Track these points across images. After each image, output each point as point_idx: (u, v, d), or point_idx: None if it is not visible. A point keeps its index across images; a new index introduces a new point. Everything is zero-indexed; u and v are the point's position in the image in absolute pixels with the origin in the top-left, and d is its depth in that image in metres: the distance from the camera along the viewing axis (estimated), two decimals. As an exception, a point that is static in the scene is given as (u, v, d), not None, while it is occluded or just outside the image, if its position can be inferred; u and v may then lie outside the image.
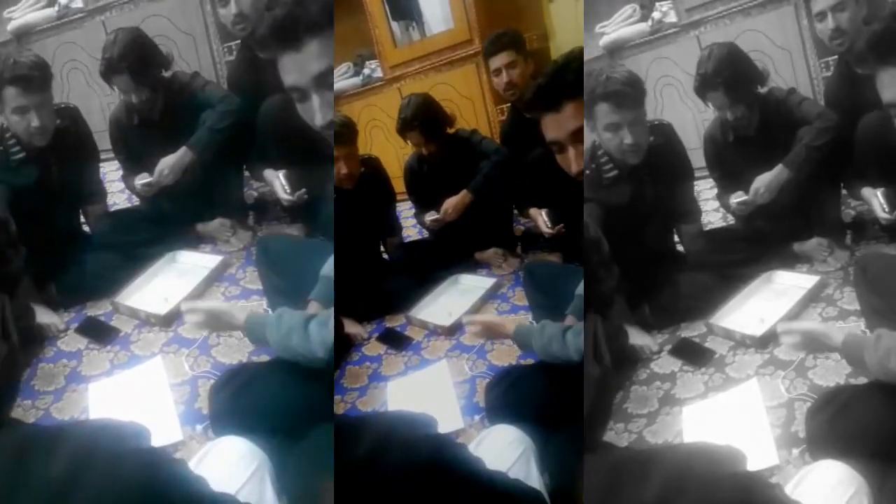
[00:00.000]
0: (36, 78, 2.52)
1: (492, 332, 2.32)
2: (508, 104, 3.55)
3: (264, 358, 2.20)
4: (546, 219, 2.99)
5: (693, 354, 2.48)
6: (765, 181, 2.70)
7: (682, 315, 2.68)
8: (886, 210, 2.56)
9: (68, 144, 2.70)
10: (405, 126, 3.18)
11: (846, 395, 1.81)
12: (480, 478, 1.50)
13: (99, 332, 2.49)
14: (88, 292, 2.66)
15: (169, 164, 2.74)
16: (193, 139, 2.75)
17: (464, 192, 3.17)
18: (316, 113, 1.54)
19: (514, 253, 3.25)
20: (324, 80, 1.54)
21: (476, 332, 2.32)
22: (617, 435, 2.22)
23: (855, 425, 1.65)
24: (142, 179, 2.77)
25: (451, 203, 3.17)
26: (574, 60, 1.72)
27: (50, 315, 2.55)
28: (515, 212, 3.37)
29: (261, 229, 2.94)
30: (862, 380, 1.98)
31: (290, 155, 2.78)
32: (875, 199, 2.58)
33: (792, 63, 3.53)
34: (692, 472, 1.21)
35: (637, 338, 2.57)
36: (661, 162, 2.66)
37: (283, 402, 1.80)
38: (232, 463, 1.60)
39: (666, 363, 2.49)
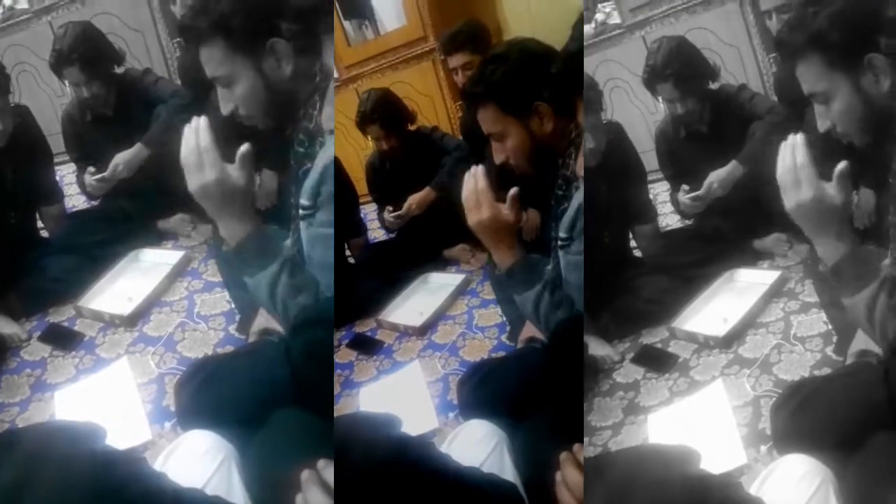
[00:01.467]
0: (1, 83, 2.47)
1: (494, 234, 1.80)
2: (467, 99, 3.54)
3: (229, 349, 2.21)
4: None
5: (656, 361, 2.45)
6: (719, 176, 2.70)
7: (643, 321, 2.65)
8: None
9: (21, 145, 2.63)
10: (365, 119, 3.15)
11: (807, 388, 1.78)
12: (447, 475, 1.48)
13: (63, 339, 2.45)
14: (50, 298, 2.61)
15: (124, 159, 2.71)
16: (148, 135, 2.73)
17: (427, 189, 3.15)
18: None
19: (482, 248, 3.17)
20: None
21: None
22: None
23: (818, 417, 1.63)
24: (94, 175, 2.72)
25: (415, 199, 3.15)
26: (505, 56, 1.73)
27: (11, 325, 2.49)
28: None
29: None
30: (826, 370, 2.02)
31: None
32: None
33: (741, 59, 3.59)
34: (642, 474, 1.19)
35: (597, 348, 2.53)
36: (613, 162, 2.64)
37: (248, 391, 1.74)
38: (198, 457, 1.58)
39: (628, 372, 2.46)
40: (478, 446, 1.74)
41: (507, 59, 1.74)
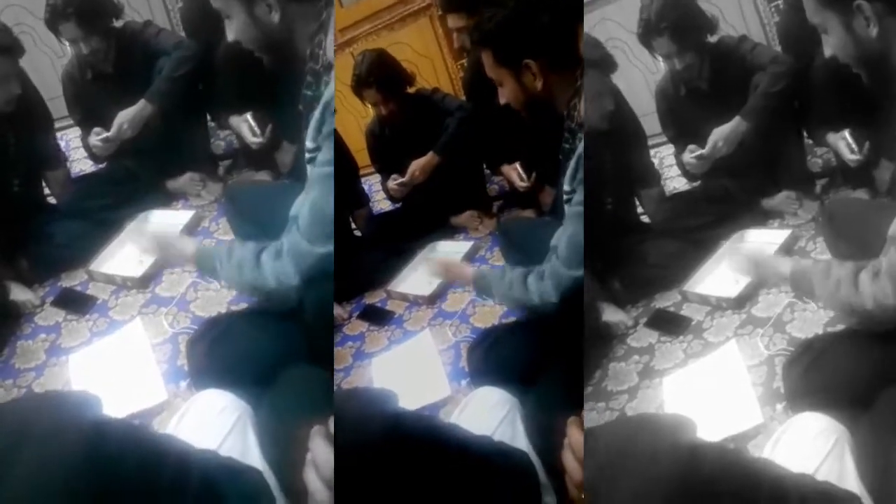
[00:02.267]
0: (13, 46, 2.46)
1: (450, 274, 2.33)
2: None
3: (243, 306, 2.21)
4: (521, 171, 2.91)
5: (669, 324, 2.47)
6: (723, 133, 2.63)
7: (655, 286, 2.65)
8: (855, 151, 2.49)
9: (21, 110, 2.59)
10: (360, 83, 2.98)
11: (819, 344, 1.81)
12: (449, 448, 1.45)
13: (76, 303, 2.46)
14: (61, 264, 2.62)
15: (128, 117, 2.63)
16: (151, 90, 2.65)
17: (430, 154, 3.04)
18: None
19: (490, 214, 3.17)
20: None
21: (435, 271, 2.33)
22: (598, 414, 2.22)
23: (831, 374, 1.66)
24: (98, 135, 2.65)
25: (419, 164, 3.04)
26: (503, 3, 1.72)
27: (24, 291, 2.50)
28: (488, 171, 3.30)
29: (231, 179, 2.88)
30: (839, 327, 2.02)
31: (255, 97, 2.71)
32: (842, 142, 2.51)
33: (741, 10, 3.48)
34: (634, 446, 1.17)
35: (610, 314, 2.54)
36: (612, 126, 2.60)
37: (261, 349, 1.76)
38: (213, 416, 1.58)
39: (642, 336, 2.48)
40: (490, 413, 1.75)
41: (504, 7, 1.72)
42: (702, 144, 2.69)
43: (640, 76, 3.64)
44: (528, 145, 2.85)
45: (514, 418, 1.76)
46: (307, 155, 1.63)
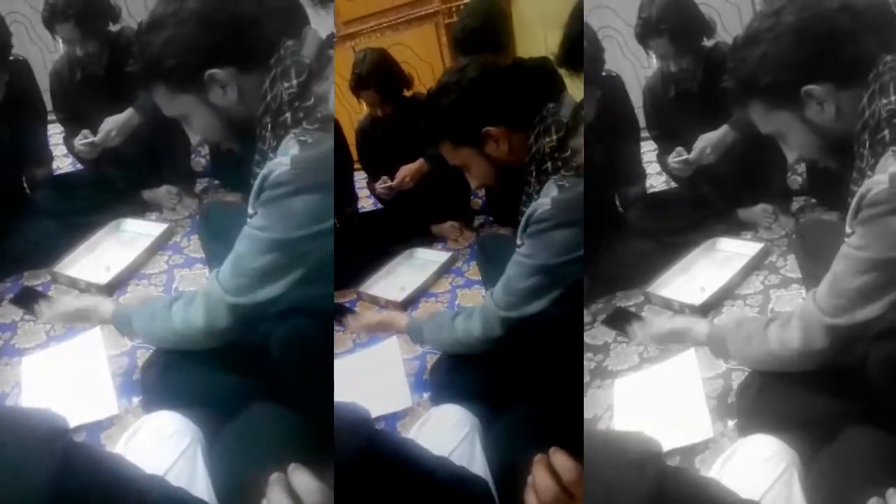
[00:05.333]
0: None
1: (382, 329, 2.30)
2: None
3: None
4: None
5: (628, 325, 2.42)
6: (711, 140, 2.58)
7: (619, 283, 2.62)
8: None
9: (12, 100, 2.56)
10: (360, 83, 2.95)
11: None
12: (406, 466, 1.42)
13: (35, 303, 2.35)
14: (26, 261, 2.58)
15: (116, 124, 2.60)
16: (140, 101, 2.61)
17: (421, 161, 3.00)
18: None
19: (471, 227, 3.15)
20: None
21: (362, 329, 2.32)
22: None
23: (785, 398, 1.63)
24: (84, 139, 2.61)
25: (409, 170, 3.00)
26: (446, 89, 1.73)
27: (-17, 286, 2.47)
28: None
29: (206, 197, 2.88)
30: None
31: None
32: None
33: (740, 17, 3.46)
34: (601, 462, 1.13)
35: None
36: (604, 119, 2.55)
37: (219, 379, 1.72)
38: (163, 440, 1.54)
39: (599, 334, 2.44)
40: (449, 433, 1.70)
41: (448, 91, 1.73)
42: (685, 146, 2.65)
43: (630, 69, 3.58)
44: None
45: (474, 440, 1.71)
46: (247, 217, 1.59)
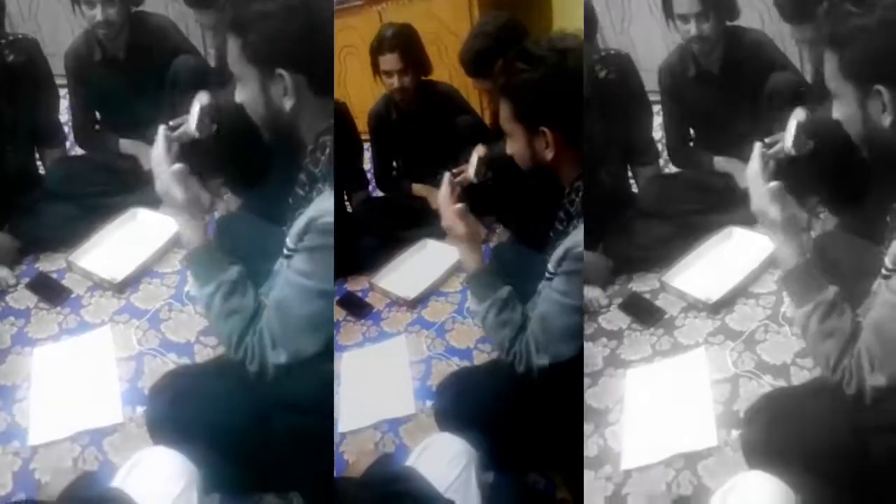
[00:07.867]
0: None
1: (465, 240, 1.89)
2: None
3: (212, 339, 2.17)
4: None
5: (643, 312, 2.43)
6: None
7: (635, 266, 2.62)
8: None
9: (22, 79, 2.55)
10: (382, 46, 2.88)
11: (783, 401, 1.77)
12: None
13: (50, 291, 2.44)
14: (42, 244, 2.59)
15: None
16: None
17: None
18: None
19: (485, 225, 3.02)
20: None
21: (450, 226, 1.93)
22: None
23: (792, 435, 1.60)
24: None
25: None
26: (538, 61, 1.65)
27: (1, 268, 2.49)
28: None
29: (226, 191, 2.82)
30: (808, 360, 2.01)
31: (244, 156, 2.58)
32: None
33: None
34: None
35: (586, 290, 2.47)
36: (615, 95, 2.54)
37: (227, 412, 1.69)
38: (162, 479, 1.56)
39: (615, 318, 2.45)
40: (447, 465, 1.70)
41: (537, 66, 1.65)
42: (698, 129, 2.62)
43: (657, 29, 3.42)
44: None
45: (470, 474, 1.71)
46: (285, 250, 1.61)
